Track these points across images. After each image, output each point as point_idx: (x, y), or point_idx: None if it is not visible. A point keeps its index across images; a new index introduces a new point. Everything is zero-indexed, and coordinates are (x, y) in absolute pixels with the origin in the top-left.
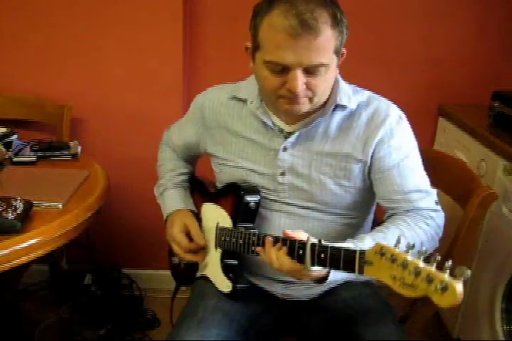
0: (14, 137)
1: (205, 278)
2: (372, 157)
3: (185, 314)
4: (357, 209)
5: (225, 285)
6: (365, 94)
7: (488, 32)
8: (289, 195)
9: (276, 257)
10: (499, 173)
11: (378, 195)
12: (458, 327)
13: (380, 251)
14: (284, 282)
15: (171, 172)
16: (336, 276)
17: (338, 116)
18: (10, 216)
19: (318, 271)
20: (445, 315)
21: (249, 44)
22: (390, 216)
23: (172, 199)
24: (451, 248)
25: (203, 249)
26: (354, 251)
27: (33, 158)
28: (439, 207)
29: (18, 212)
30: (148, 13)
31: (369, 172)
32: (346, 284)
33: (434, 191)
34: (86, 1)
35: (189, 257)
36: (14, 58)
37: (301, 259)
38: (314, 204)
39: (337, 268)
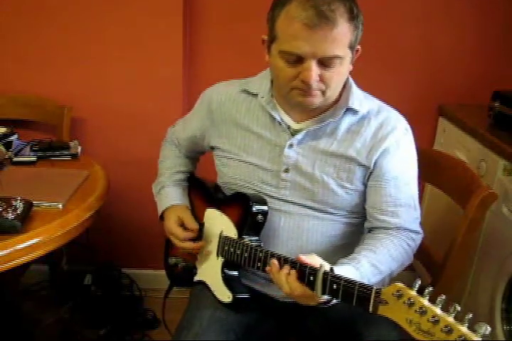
0: (14, 137)
1: (203, 284)
2: (375, 164)
3: (182, 327)
4: (357, 209)
5: (225, 295)
6: (376, 102)
7: (488, 32)
8: (290, 193)
9: (286, 281)
10: (499, 173)
11: (369, 203)
12: None
13: (397, 292)
14: None
15: (170, 169)
16: None
17: (348, 119)
18: (10, 216)
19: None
20: None
21: (265, 37)
22: (374, 228)
23: (169, 195)
24: (451, 248)
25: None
26: (370, 289)
27: (33, 158)
28: (420, 230)
29: (18, 212)
30: (148, 13)
31: (368, 178)
32: None
33: (419, 209)
34: (86, 1)
35: (187, 245)
36: (15, 58)
37: (311, 285)
38: (314, 204)
39: (349, 302)
